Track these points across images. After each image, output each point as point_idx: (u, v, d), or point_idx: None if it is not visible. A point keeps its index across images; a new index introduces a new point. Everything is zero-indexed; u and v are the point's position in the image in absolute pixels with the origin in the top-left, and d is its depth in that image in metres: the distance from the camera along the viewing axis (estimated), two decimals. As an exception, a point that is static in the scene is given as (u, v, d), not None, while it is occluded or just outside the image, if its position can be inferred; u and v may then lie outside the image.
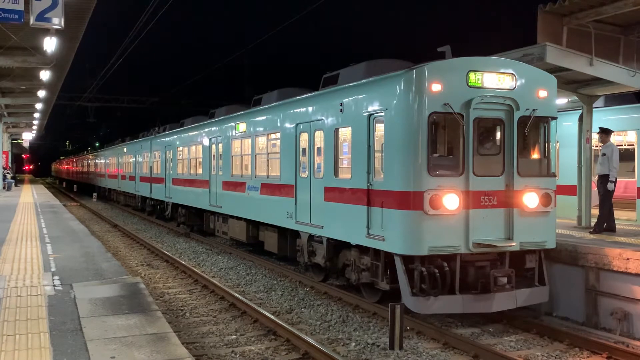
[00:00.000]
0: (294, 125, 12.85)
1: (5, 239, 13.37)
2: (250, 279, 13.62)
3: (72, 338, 5.99)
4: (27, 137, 54.49)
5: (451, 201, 9.01)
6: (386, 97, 9.68)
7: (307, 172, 12.25)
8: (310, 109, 12.33)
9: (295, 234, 13.11)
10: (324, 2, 19.59)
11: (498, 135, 9.73)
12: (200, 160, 19.96)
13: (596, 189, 12.25)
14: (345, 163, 11.02)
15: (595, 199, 12.51)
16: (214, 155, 18.39)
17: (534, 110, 9.62)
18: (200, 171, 20.03)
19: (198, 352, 8.23)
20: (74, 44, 17.45)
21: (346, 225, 10.68)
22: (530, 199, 9.57)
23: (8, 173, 43.81)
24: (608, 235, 11.54)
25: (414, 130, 9.02)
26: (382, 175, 9.72)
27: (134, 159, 31.87)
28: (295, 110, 13.04)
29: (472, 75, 9.22)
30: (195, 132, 20.76)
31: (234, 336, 9.16)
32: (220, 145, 17.85)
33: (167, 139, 24.86)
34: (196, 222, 21.61)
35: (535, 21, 11.61)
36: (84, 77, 49.32)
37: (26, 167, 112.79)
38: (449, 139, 9.64)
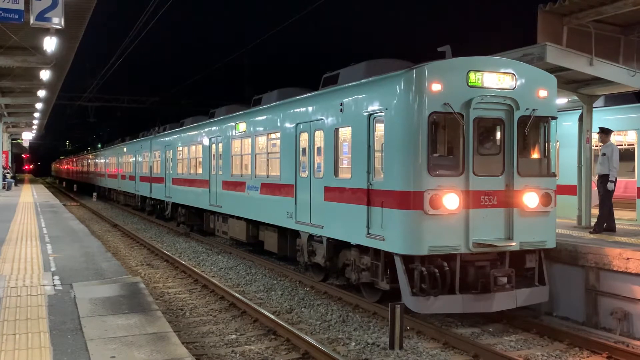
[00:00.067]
0: (294, 125, 12.85)
1: (5, 239, 13.37)
2: (250, 279, 13.62)
3: (72, 338, 5.99)
4: (27, 136, 54.46)
5: (451, 201, 9.01)
6: (386, 96, 9.68)
7: (307, 171, 12.25)
8: (310, 108, 12.33)
9: (295, 233, 13.11)
10: (324, 2, 19.59)
11: (498, 135, 9.73)
12: (200, 160, 19.96)
13: (596, 188, 12.25)
14: (345, 163, 11.01)
15: (595, 198, 12.51)
16: (213, 155, 18.39)
17: (534, 110, 9.63)
18: (200, 171, 20.03)
19: (198, 352, 8.23)
20: (74, 44, 17.45)
21: (346, 225, 10.68)
22: (530, 199, 9.57)
23: (8, 173, 43.81)
24: (608, 235, 11.55)
25: (414, 130, 9.02)
26: (382, 175, 9.72)
27: (134, 159, 31.87)
28: (295, 110, 13.04)
29: (472, 75, 9.22)
30: (195, 132, 20.76)
31: (234, 336, 9.16)
32: (220, 145, 17.85)
33: (167, 138, 24.86)
34: (196, 222, 21.61)
35: (535, 21, 11.61)
36: (84, 76, 49.37)
37: (26, 167, 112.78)
38: (449, 138, 9.64)
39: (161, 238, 21.36)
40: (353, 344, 8.75)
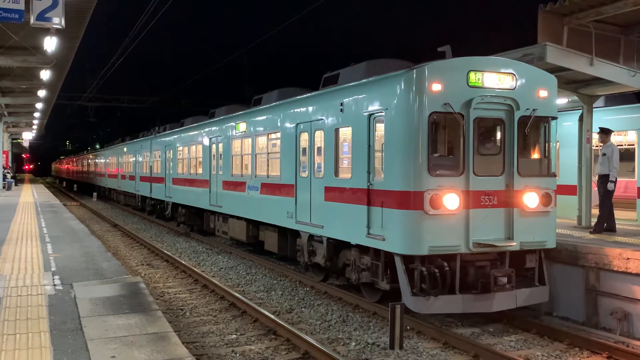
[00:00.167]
0: (294, 125, 12.85)
1: (6, 239, 13.38)
2: (251, 279, 13.62)
3: (72, 337, 5.99)
4: (27, 136, 54.48)
5: (451, 201, 9.01)
6: (386, 96, 9.68)
7: (307, 171, 12.25)
8: (310, 108, 12.34)
9: (296, 233, 13.11)
10: (324, 2, 19.61)
11: (498, 135, 9.73)
12: (201, 160, 19.96)
13: (596, 188, 12.25)
14: (345, 163, 11.02)
15: (595, 198, 12.51)
16: (214, 155, 18.40)
17: (534, 110, 9.63)
18: (200, 171, 20.03)
19: (198, 352, 8.23)
20: (74, 44, 17.45)
21: (346, 225, 10.68)
22: (531, 199, 9.57)
23: (8, 172, 43.82)
24: (608, 235, 11.55)
25: (414, 130, 9.02)
26: (383, 175, 9.73)
27: (134, 159, 31.88)
28: (295, 110, 13.05)
29: (472, 75, 9.22)
30: (196, 132, 20.76)
31: (234, 336, 9.16)
32: (220, 145, 17.85)
33: (167, 138, 24.87)
34: (196, 222, 21.61)
35: (535, 21, 11.61)
36: (84, 76, 49.34)
37: (26, 167, 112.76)
38: (449, 138, 9.64)
39: (161, 238, 21.36)
40: (353, 344, 8.75)
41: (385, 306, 9.59)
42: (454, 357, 8.30)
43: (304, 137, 12.46)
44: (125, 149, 35.27)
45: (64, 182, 76.99)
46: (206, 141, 19.14)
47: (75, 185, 61.71)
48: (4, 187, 38.11)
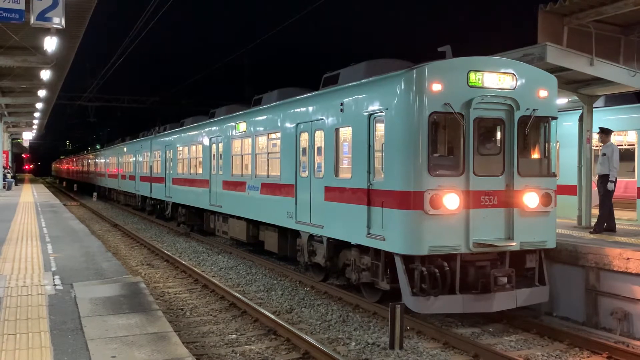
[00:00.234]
0: (294, 125, 12.85)
1: (6, 239, 13.38)
2: (251, 279, 13.62)
3: (72, 337, 5.99)
4: (27, 136, 54.48)
5: (451, 201, 9.02)
6: (386, 96, 9.68)
7: (307, 171, 12.26)
8: (310, 108, 12.34)
9: (296, 233, 13.12)
10: (324, 2, 19.61)
11: (498, 135, 9.73)
12: (201, 159, 19.96)
13: (596, 188, 12.25)
14: (345, 163, 11.02)
15: (595, 198, 12.51)
16: (214, 155, 18.40)
17: (534, 110, 9.63)
18: (200, 171, 20.03)
19: (198, 352, 8.23)
20: (74, 44, 17.45)
21: (346, 225, 10.68)
22: (531, 199, 9.58)
23: (8, 172, 43.83)
24: (608, 235, 11.55)
25: (415, 130, 9.02)
26: (383, 175, 9.73)
27: (134, 159, 31.88)
28: (295, 110, 13.05)
29: (472, 75, 9.22)
30: (196, 132, 20.76)
31: (234, 336, 9.16)
32: (220, 145, 17.85)
33: (167, 138, 24.87)
34: (196, 222, 21.61)
35: (535, 21, 11.61)
36: (84, 76, 49.36)
37: (26, 167, 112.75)
38: (450, 138, 9.64)
39: (161, 238, 21.36)
40: (353, 344, 8.76)
41: (385, 306, 9.60)
42: (454, 357, 8.30)
43: (304, 137, 12.46)
44: (125, 149, 35.28)
45: (64, 182, 77.00)
46: (206, 141, 19.14)
47: (75, 185, 61.71)
48: (4, 187, 38.11)
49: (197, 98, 55.65)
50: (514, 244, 9.37)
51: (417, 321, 9.51)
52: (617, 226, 12.04)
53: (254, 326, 9.69)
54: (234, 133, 16.68)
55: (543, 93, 9.78)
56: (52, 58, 17.13)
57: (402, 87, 9.31)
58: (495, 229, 9.38)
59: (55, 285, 8.43)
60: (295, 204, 12.66)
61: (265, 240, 15.05)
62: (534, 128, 9.82)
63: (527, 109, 9.59)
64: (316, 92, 12.43)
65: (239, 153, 16.38)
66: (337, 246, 11.45)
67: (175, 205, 23.70)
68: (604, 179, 11.76)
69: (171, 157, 23.88)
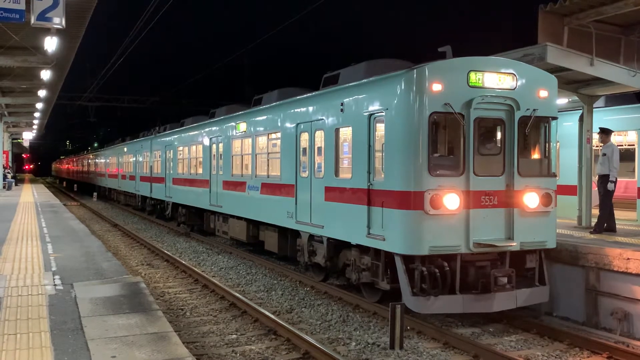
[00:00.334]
0: (294, 125, 12.85)
1: (6, 239, 13.38)
2: (251, 279, 13.62)
3: (73, 337, 6.00)
4: (28, 136, 54.51)
5: (452, 201, 9.02)
6: (387, 97, 9.68)
7: (307, 171, 12.26)
8: (310, 108, 12.34)
9: (296, 233, 13.12)
10: (324, 2, 19.61)
11: (499, 135, 9.73)
12: (201, 159, 19.97)
13: (596, 189, 12.25)
14: (345, 163, 11.02)
15: (595, 199, 12.51)
16: (214, 155, 18.40)
17: (534, 110, 9.63)
18: (200, 171, 20.04)
19: (198, 352, 8.24)
20: (74, 44, 17.45)
21: (346, 225, 10.68)
22: (531, 199, 9.58)
23: (8, 172, 43.82)
24: (608, 235, 11.55)
25: (415, 130, 9.02)
26: (383, 175, 9.73)
27: (134, 159, 31.88)
28: (295, 110, 13.05)
29: (472, 75, 9.23)
30: (196, 132, 20.76)
31: (234, 336, 9.16)
32: (220, 145, 17.85)
33: (167, 138, 24.87)
34: (196, 222, 21.62)
35: (535, 21, 11.62)
36: (85, 76, 49.40)
37: (26, 167, 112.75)
38: (450, 138, 9.64)
39: (161, 238, 21.36)
40: (353, 344, 8.76)
41: (385, 306, 9.60)
42: (454, 357, 8.31)
43: (304, 137, 12.46)
44: (125, 149, 35.28)
45: (64, 182, 76.99)
46: (206, 141, 19.15)
47: (75, 185, 61.71)
48: (4, 187, 38.11)
49: (197, 98, 55.74)
50: (514, 244, 9.37)
51: (417, 321, 9.51)
52: (617, 226, 12.04)
53: (254, 326, 9.69)
54: (234, 133, 16.69)
55: (543, 93, 9.78)
56: (53, 58, 17.14)
57: (403, 87, 9.31)
58: (495, 229, 9.38)
59: (55, 285, 8.43)
60: (296, 204, 12.67)
61: (265, 240, 15.06)
62: (534, 128, 9.82)
63: (528, 109, 9.59)
64: (316, 92, 12.43)
65: (239, 153, 16.39)
66: (337, 246, 11.45)
67: (176, 205, 23.70)
68: (604, 179, 11.76)
69: (171, 157, 23.88)
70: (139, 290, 8.14)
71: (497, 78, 9.40)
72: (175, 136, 23.54)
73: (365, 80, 10.52)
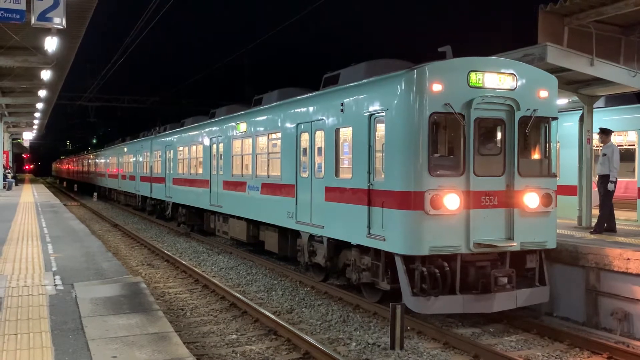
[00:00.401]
0: (294, 125, 12.86)
1: (6, 239, 13.38)
2: (251, 279, 13.63)
3: (73, 337, 6.00)
4: (28, 136, 54.49)
5: (452, 201, 9.02)
6: (387, 97, 9.68)
7: (307, 172, 12.26)
8: (311, 108, 12.34)
9: (296, 233, 13.12)
10: (324, 2, 19.62)
11: (499, 135, 9.73)
12: (201, 160, 19.97)
13: (597, 189, 12.25)
14: (346, 163, 11.02)
15: (595, 199, 12.52)
16: (214, 155, 18.40)
17: (534, 110, 9.63)
18: (200, 171, 20.04)
19: (199, 352, 8.24)
20: (75, 44, 17.46)
21: (347, 225, 10.69)
22: (531, 199, 9.58)
23: (8, 172, 43.82)
24: (608, 235, 11.55)
25: (415, 130, 9.02)
26: (383, 175, 9.73)
27: (135, 159, 31.89)
28: (296, 110, 13.05)
29: (473, 76, 9.23)
30: (196, 132, 20.77)
31: (234, 336, 9.17)
32: (220, 145, 17.86)
33: (167, 138, 24.88)
34: (196, 222, 21.62)
35: (535, 21, 11.62)
36: (85, 76, 49.35)
37: (26, 167, 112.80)
38: (450, 139, 9.64)
39: (162, 238, 21.37)
40: (354, 344, 8.76)
41: (385, 306, 9.60)
42: (455, 357, 8.31)
43: (305, 137, 12.46)
44: (125, 149, 35.29)
45: (65, 182, 77.01)
46: (207, 141, 19.15)
47: (75, 185, 61.73)
48: (4, 187, 38.11)
49: (197, 98, 55.72)
50: (515, 244, 9.37)
51: (417, 321, 9.51)
52: (617, 226, 12.05)
53: (255, 326, 9.69)
54: (235, 133, 16.69)
55: (543, 93, 9.78)
56: (53, 58, 17.15)
57: (403, 87, 9.32)
58: (495, 229, 9.39)
59: (56, 285, 8.43)
60: (296, 204, 12.67)
61: (265, 240, 15.06)
62: (534, 128, 9.82)
63: (528, 110, 9.59)
64: (317, 93, 12.43)
65: (240, 153, 16.39)
66: (338, 246, 11.46)
67: (176, 206, 23.71)
68: (604, 180, 11.77)
69: (171, 157, 23.88)
70: (140, 291, 8.15)
71: (497, 78, 9.40)
72: (176, 136, 23.55)
73: (365, 81, 10.53)
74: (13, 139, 55.24)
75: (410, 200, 9.00)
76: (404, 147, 9.17)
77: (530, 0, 12.99)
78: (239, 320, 10.08)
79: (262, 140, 14.90)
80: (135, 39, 24.83)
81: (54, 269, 9.74)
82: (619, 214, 12.68)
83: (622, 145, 15.50)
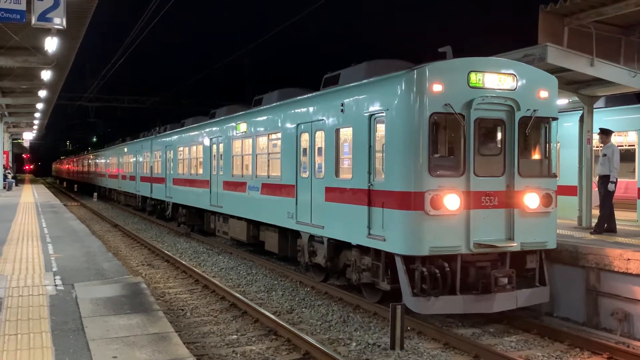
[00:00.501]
0: (294, 125, 12.86)
1: (7, 239, 13.38)
2: (251, 279, 13.63)
3: (74, 338, 6.00)
4: (28, 136, 54.46)
5: (452, 201, 9.02)
6: (387, 97, 9.68)
7: (308, 172, 12.26)
8: (311, 109, 12.35)
9: (296, 234, 13.12)
10: (324, 2, 19.62)
11: (499, 135, 9.74)
12: (201, 160, 19.97)
13: (597, 189, 12.25)
14: (346, 163, 11.02)
15: (595, 199, 12.52)
16: (214, 155, 18.40)
17: (534, 110, 9.63)
18: (200, 171, 20.04)
19: (199, 352, 8.24)
20: (75, 44, 17.46)
21: (347, 225, 10.69)
22: (531, 200, 9.58)
23: (9, 173, 43.82)
24: (609, 235, 11.55)
25: (415, 130, 9.03)
26: (383, 176, 9.73)
27: (135, 159, 31.89)
28: (296, 111, 13.05)
29: (473, 76, 9.23)
30: (196, 132, 20.77)
31: (234, 336, 9.17)
32: (221, 145, 17.86)
33: (167, 139, 24.88)
34: (197, 222, 21.62)
35: (536, 21, 11.62)
36: (85, 76, 49.51)
37: (27, 167, 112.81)
38: (450, 139, 9.64)
39: (162, 238, 21.37)
40: (354, 344, 8.76)
41: (385, 306, 9.60)
42: (455, 358, 8.31)
43: (305, 137, 12.47)
44: (125, 149, 35.29)
45: (65, 183, 77.00)
46: (207, 141, 19.15)
47: (75, 186, 61.73)
48: (4, 188, 38.11)
49: (197, 98, 55.68)
50: (515, 244, 9.37)
51: (417, 322, 9.51)
52: (617, 227, 12.05)
53: (255, 326, 9.69)
54: (235, 133, 16.69)
55: (543, 94, 9.78)
56: (53, 58, 17.15)
57: (403, 87, 9.32)
58: (495, 229, 9.39)
59: (56, 285, 8.43)
60: (296, 204, 12.67)
61: (265, 240, 15.06)
62: (534, 129, 9.82)
63: (528, 110, 9.59)
64: (317, 93, 12.44)
65: (240, 153, 16.39)
66: (338, 247, 11.46)
67: (176, 206, 23.71)
68: (604, 180, 11.77)
69: (172, 157, 23.89)
70: (140, 291, 8.15)
71: (497, 78, 9.40)
72: (176, 136, 23.55)
73: (365, 81, 10.53)
74: (13, 139, 55.25)
75: (411, 201, 9.00)
76: (404, 148, 9.17)
77: (530, 1, 13.01)
78: (239, 321, 10.08)
79: (262, 141, 14.90)
80: (135, 39, 24.87)
81: (54, 269, 9.74)
82: (619, 214, 12.68)
83: (622, 146, 15.50)
